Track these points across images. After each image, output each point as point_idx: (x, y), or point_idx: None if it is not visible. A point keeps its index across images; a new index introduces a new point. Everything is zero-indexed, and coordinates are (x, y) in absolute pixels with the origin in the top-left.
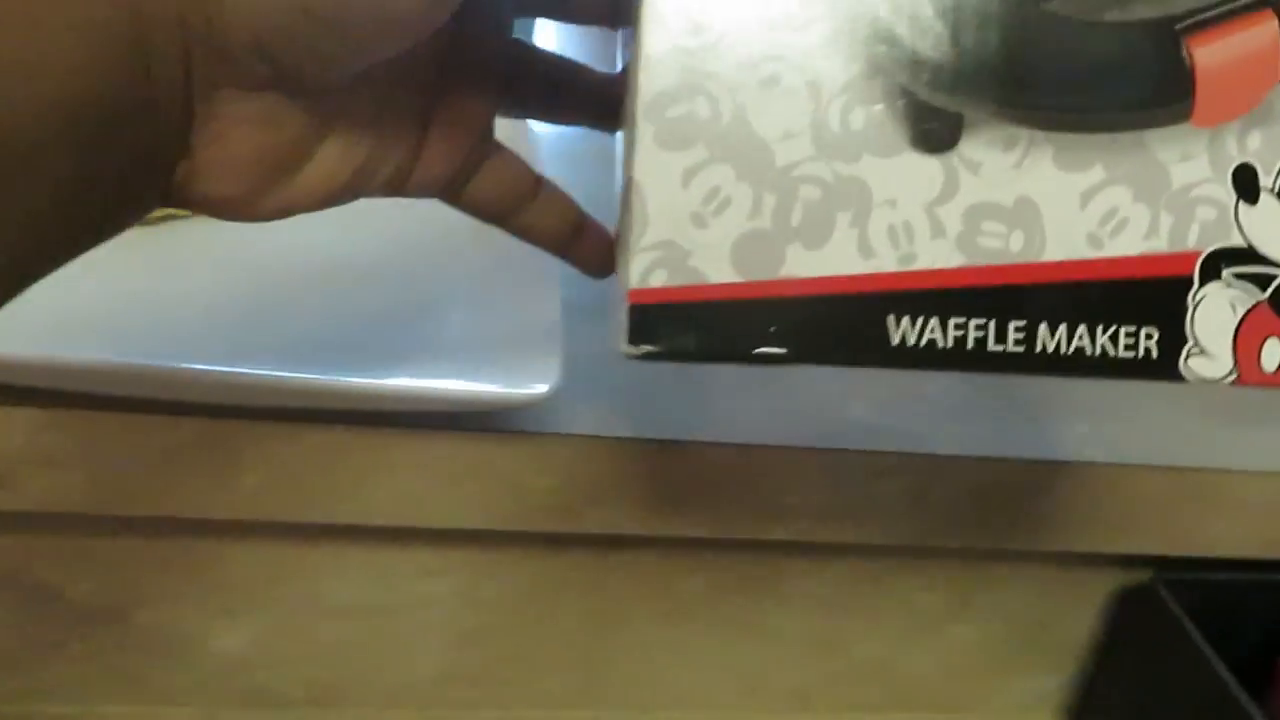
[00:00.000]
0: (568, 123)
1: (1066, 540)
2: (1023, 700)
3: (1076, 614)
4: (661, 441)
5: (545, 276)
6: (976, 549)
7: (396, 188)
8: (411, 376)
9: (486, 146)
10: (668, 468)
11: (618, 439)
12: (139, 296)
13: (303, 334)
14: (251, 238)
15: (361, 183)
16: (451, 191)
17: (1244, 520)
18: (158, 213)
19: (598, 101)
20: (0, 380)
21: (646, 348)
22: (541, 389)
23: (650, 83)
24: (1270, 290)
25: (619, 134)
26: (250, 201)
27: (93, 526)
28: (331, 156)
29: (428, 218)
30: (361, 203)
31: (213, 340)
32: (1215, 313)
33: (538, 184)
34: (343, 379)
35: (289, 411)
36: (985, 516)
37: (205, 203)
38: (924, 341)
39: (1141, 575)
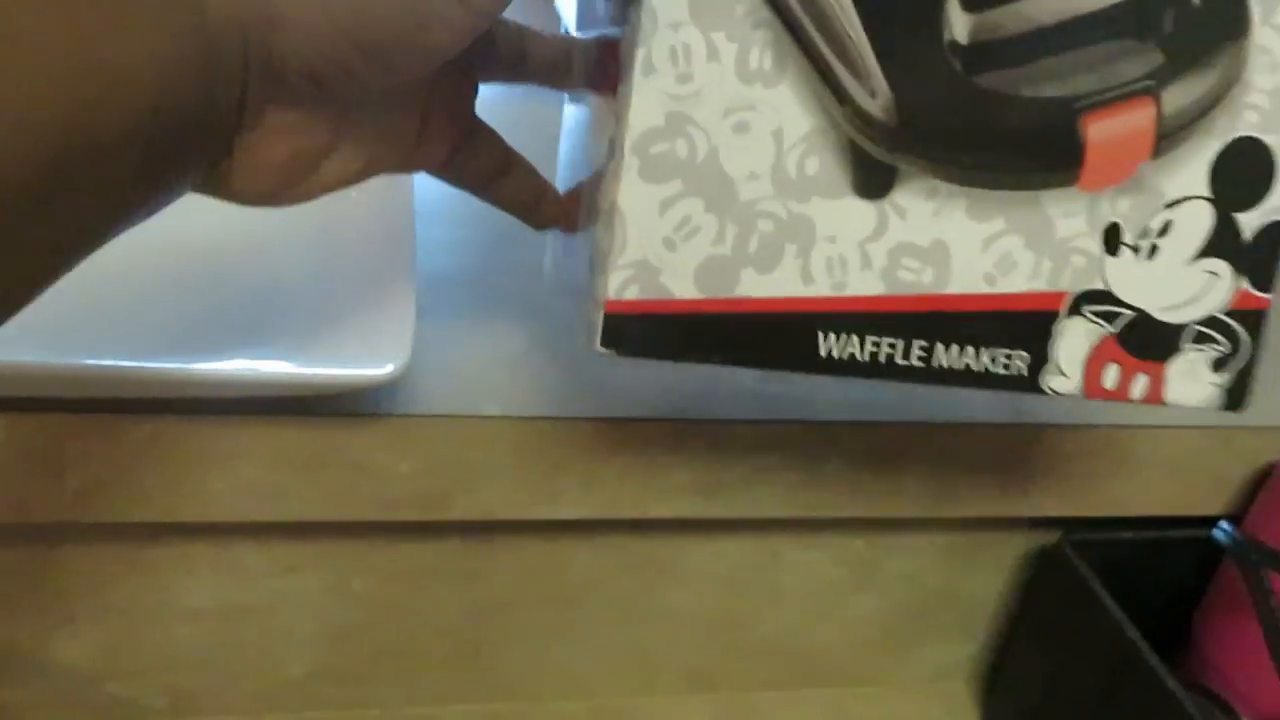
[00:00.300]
0: (525, 83)
1: (972, 505)
2: (934, 669)
3: (986, 579)
4: (533, 419)
5: (398, 256)
6: (880, 518)
7: (400, 169)
8: (252, 360)
9: (473, 124)
10: (542, 446)
11: (485, 417)
12: None
13: (136, 320)
14: None
15: (372, 170)
16: (445, 168)
17: (1152, 478)
18: None
19: (550, 65)
20: None
21: (616, 349)
22: (389, 369)
23: (640, 121)
24: (1118, 326)
25: (565, 101)
26: (277, 194)
27: None
28: (349, 152)
29: None
30: None
31: (32, 329)
32: (1073, 341)
33: (511, 157)
34: (170, 365)
35: (119, 403)
36: (886, 484)
37: (237, 196)
38: (846, 355)
39: (1050, 537)
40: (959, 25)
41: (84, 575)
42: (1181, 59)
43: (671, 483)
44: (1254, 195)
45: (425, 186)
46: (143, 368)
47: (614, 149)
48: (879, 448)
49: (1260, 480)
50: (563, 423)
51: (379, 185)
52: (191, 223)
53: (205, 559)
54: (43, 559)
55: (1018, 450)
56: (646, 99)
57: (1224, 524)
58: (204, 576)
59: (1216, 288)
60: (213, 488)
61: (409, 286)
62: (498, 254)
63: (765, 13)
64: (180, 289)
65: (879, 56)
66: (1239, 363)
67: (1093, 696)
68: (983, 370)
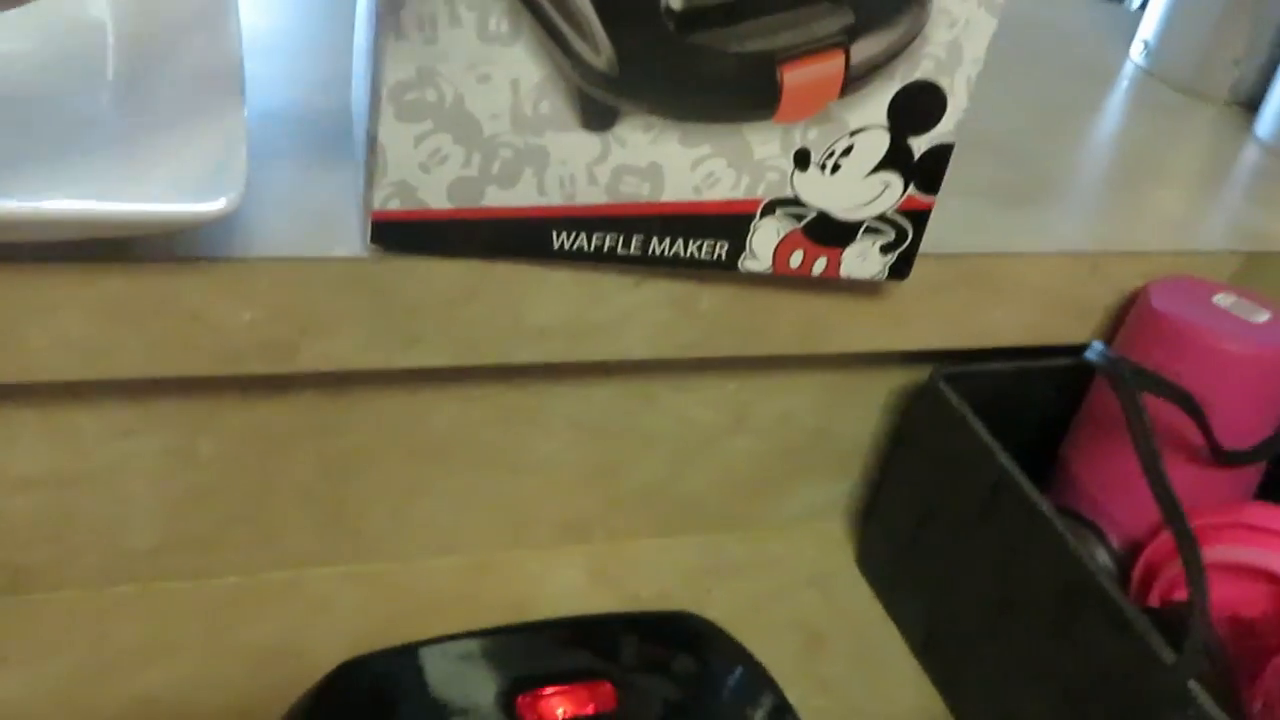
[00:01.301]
0: None
1: (846, 340)
2: (809, 509)
3: (860, 417)
4: (384, 259)
5: (226, 85)
6: (752, 358)
7: None
8: (65, 198)
9: None
10: (394, 289)
11: (332, 259)
12: None
13: None
14: None
15: None
16: None
17: (1021, 307)
18: None
19: None
20: None
21: (383, 246)
22: (220, 203)
23: (393, 75)
24: (803, 223)
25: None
26: None
27: None
28: None
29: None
30: None
31: None
32: (765, 234)
33: None
34: None
35: None
36: (759, 322)
37: None
38: (575, 248)
39: (923, 372)
40: None
41: None
42: (870, 18)
43: (536, 325)
44: (927, 124)
45: (253, 22)
46: None
47: (374, 92)
48: (750, 285)
49: (1127, 307)
50: (417, 263)
51: (202, 13)
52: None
53: (31, 424)
54: None
55: (887, 283)
56: (398, 59)
57: (1097, 344)
58: (32, 443)
59: (888, 194)
60: (33, 344)
61: (239, 116)
62: (334, 90)
63: None
64: (17, 127)
65: (602, 20)
66: (903, 246)
67: (966, 524)
68: (690, 256)
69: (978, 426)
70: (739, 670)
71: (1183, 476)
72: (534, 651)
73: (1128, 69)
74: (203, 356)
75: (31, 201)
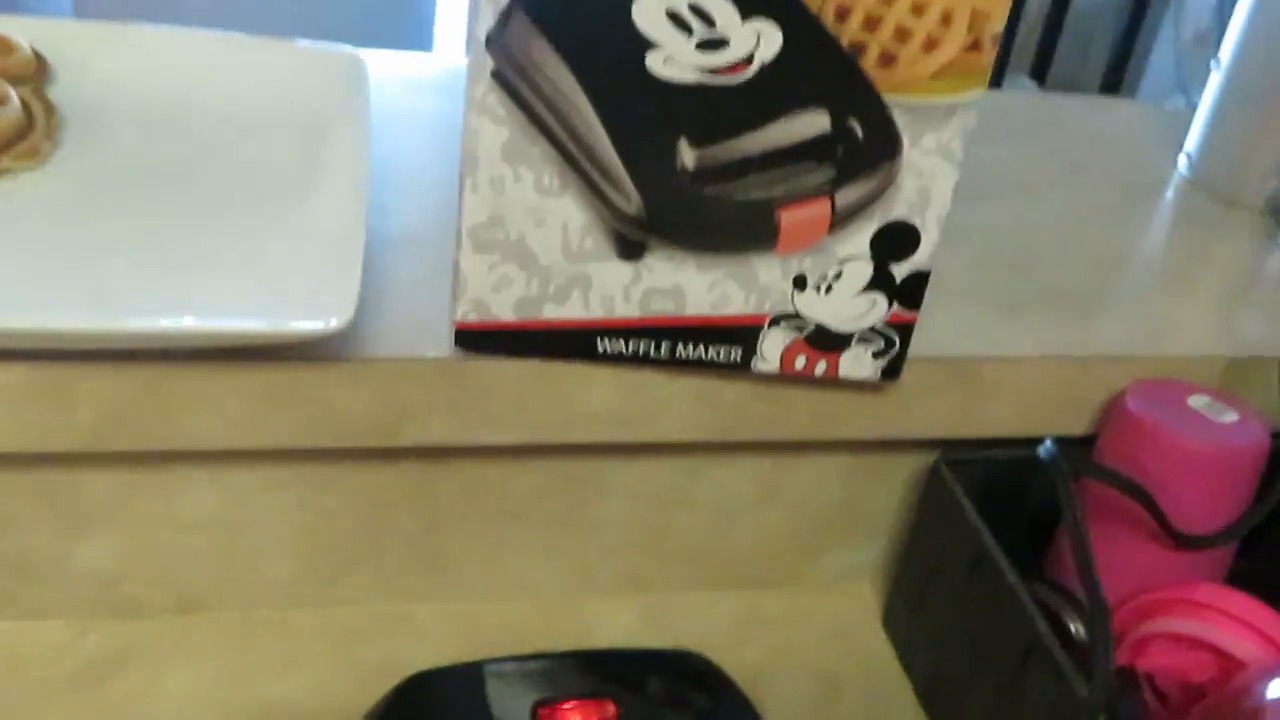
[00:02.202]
0: None
1: (854, 429)
2: (840, 572)
3: (882, 493)
4: (466, 359)
5: (351, 221)
6: (776, 441)
7: None
8: (218, 315)
9: None
10: (474, 383)
11: (425, 359)
12: None
13: (115, 276)
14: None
15: None
16: None
17: (1017, 402)
18: None
19: None
20: None
21: (464, 349)
22: (331, 324)
23: (472, 219)
24: (804, 333)
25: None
26: None
27: None
28: None
29: (241, 155)
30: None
31: (33, 291)
32: (773, 342)
33: None
34: (153, 323)
35: (115, 353)
36: (777, 413)
37: None
38: (616, 351)
39: (932, 455)
40: (688, 157)
41: (101, 495)
42: (850, 172)
43: (588, 412)
44: (904, 254)
45: (380, 158)
46: (134, 325)
47: (458, 230)
48: (766, 382)
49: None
50: (491, 362)
51: (338, 157)
52: (166, 189)
53: (202, 480)
54: (65, 481)
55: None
56: (475, 207)
57: (1047, 441)
58: (202, 494)
59: (875, 310)
60: (201, 422)
61: (357, 250)
62: (444, 219)
63: (552, 151)
64: (161, 250)
65: (632, 178)
66: (893, 353)
67: (957, 589)
68: (711, 359)
69: (967, 507)
70: (726, 702)
71: (1144, 557)
72: (559, 673)
73: (1173, 179)
74: (329, 432)
75: (193, 321)
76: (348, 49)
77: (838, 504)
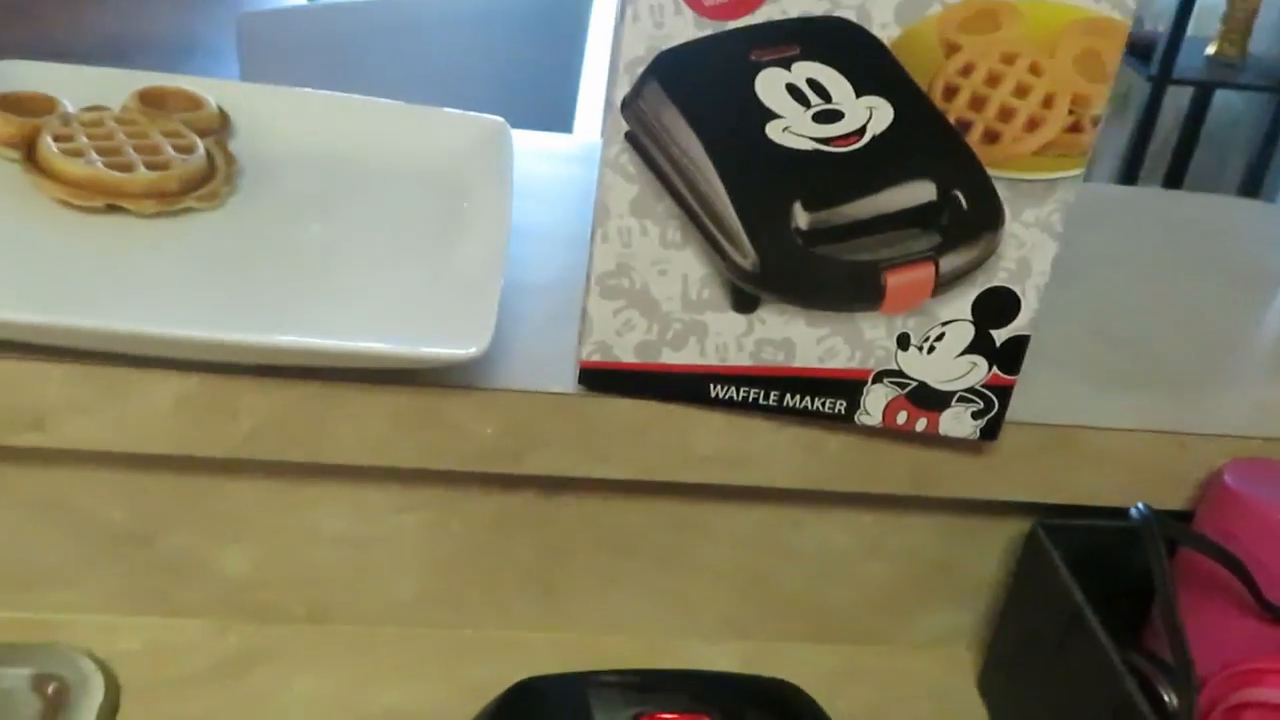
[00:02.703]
0: None
1: (951, 487)
2: (936, 633)
3: (980, 555)
4: (586, 396)
5: (491, 265)
6: (879, 495)
7: None
8: (368, 339)
9: None
10: (593, 419)
11: (549, 393)
12: (157, 275)
13: (279, 302)
14: (250, 228)
15: None
16: None
17: (1114, 472)
18: (179, 203)
19: None
20: (40, 341)
21: (587, 387)
22: (470, 351)
23: (600, 266)
24: (906, 390)
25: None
26: None
27: (121, 463)
28: None
29: (397, 204)
30: (313, 182)
31: (209, 310)
32: (876, 397)
33: None
34: (310, 340)
35: (273, 369)
36: (879, 466)
37: None
38: (728, 397)
39: (1029, 522)
40: (801, 218)
41: (250, 502)
42: (954, 239)
43: (698, 454)
44: (1004, 320)
45: (521, 216)
46: (291, 341)
47: (587, 277)
48: (869, 435)
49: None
50: (610, 401)
51: (482, 210)
52: (326, 229)
53: (340, 496)
54: (220, 486)
55: (994, 443)
56: (603, 256)
57: (1140, 504)
58: (337, 510)
59: (975, 372)
60: (345, 438)
61: (495, 288)
62: (578, 271)
63: (676, 208)
64: (318, 280)
65: (748, 236)
66: (991, 414)
67: (1050, 653)
68: (816, 409)
69: (1063, 572)
70: None
71: (1239, 629)
72: (660, 689)
73: None
74: (457, 456)
75: (345, 341)
76: (496, 118)
77: (936, 564)
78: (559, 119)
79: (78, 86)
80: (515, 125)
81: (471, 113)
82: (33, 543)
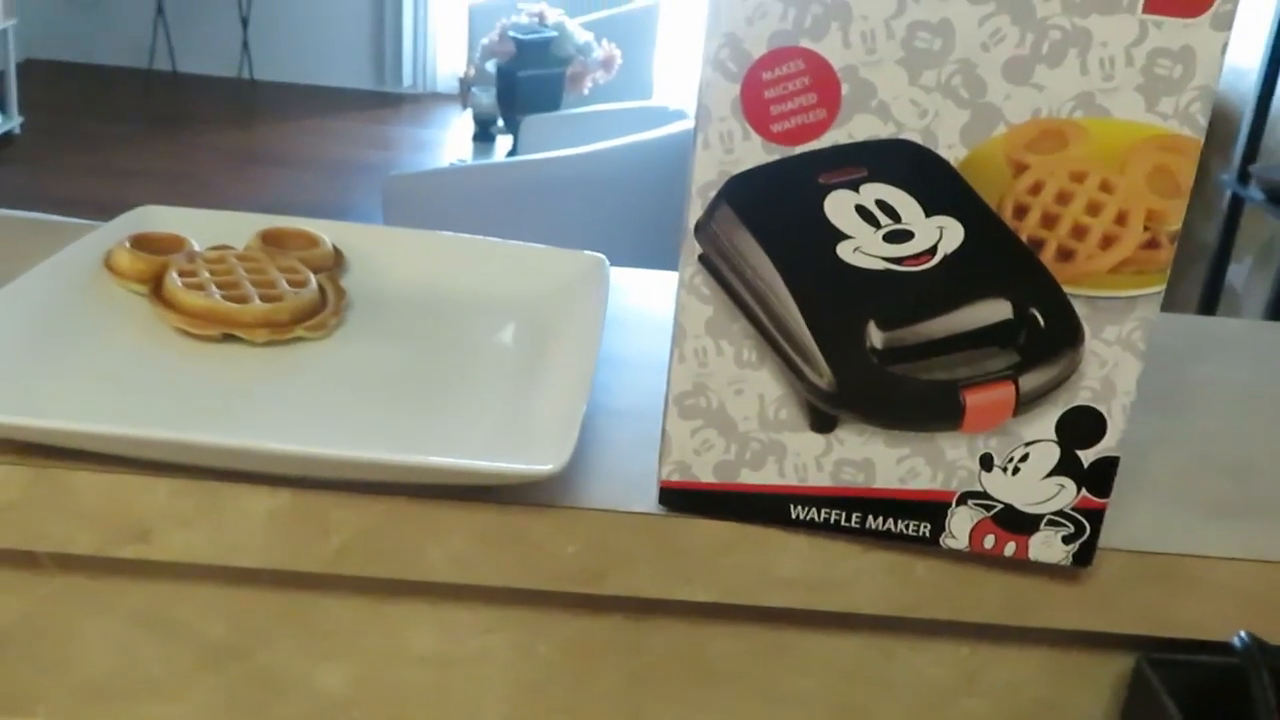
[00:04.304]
0: None
1: (1047, 617)
2: None
3: (1084, 692)
4: (668, 516)
5: (577, 389)
6: (976, 627)
7: None
8: (453, 456)
9: None
10: (674, 539)
11: (631, 513)
12: (260, 397)
13: (373, 422)
14: (352, 355)
15: None
16: None
17: (1223, 605)
18: (289, 333)
19: None
20: (144, 455)
21: (667, 508)
22: (549, 468)
23: (678, 386)
24: (992, 512)
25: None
26: None
27: (220, 576)
28: None
29: (492, 333)
30: (418, 313)
31: (302, 428)
32: (961, 520)
33: None
34: (393, 455)
35: (361, 485)
36: (969, 593)
37: None
38: (809, 519)
39: (1132, 657)
40: (876, 338)
41: (341, 619)
42: (1033, 358)
43: (781, 577)
44: (1091, 439)
45: (614, 338)
46: (377, 456)
47: (665, 398)
48: (959, 559)
49: None
50: (691, 521)
51: (573, 337)
52: (423, 352)
53: (427, 615)
54: (315, 601)
55: (1094, 572)
56: (681, 377)
57: (1243, 633)
58: (425, 630)
59: (1063, 494)
60: (431, 553)
61: (578, 411)
62: (659, 398)
63: (751, 328)
64: (410, 400)
65: (824, 356)
66: (1083, 538)
67: None
68: (899, 532)
69: (1173, 712)
70: None
71: None
72: None
73: None
74: (542, 575)
75: (427, 456)
76: (594, 254)
77: (1039, 700)
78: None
79: (207, 228)
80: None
81: (571, 250)
82: (133, 654)
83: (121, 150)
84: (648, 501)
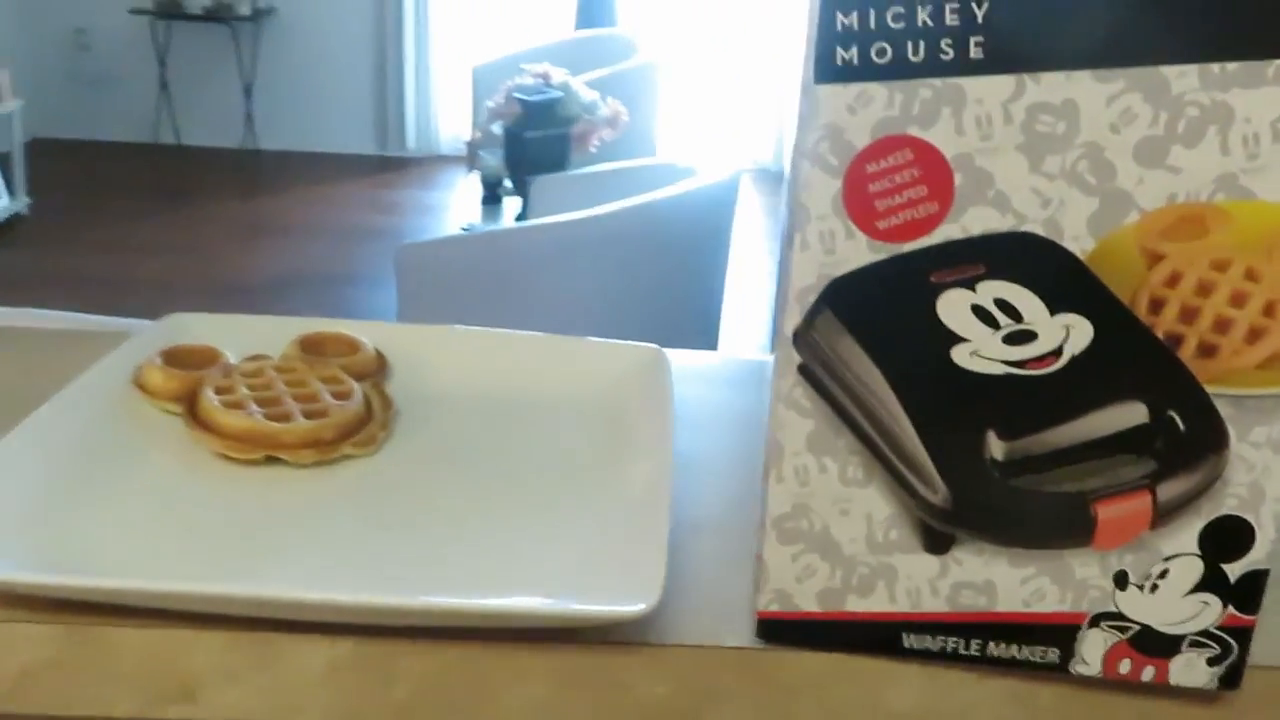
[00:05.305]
0: None
1: None
2: None
3: None
4: (765, 649)
5: (657, 508)
6: None
7: None
8: (531, 595)
9: None
10: (774, 673)
11: (725, 648)
12: (311, 530)
13: (436, 555)
14: (406, 474)
15: None
16: None
17: None
18: (335, 451)
19: None
20: (190, 609)
21: (765, 641)
22: (640, 608)
23: (775, 508)
24: (1128, 635)
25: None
26: None
27: None
28: None
29: (555, 442)
30: (469, 421)
31: (362, 569)
32: (1093, 643)
33: None
34: (468, 601)
35: (429, 630)
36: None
37: None
38: (922, 647)
39: None
40: (996, 449)
41: None
42: (1172, 465)
43: (893, 711)
44: (1238, 552)
45: (677, 446)
46: (450, 603)
47: (761, 522)
48: (1087, 686)
49: None
50: (793, 653)
51: (643, 444)
52: (485, 472)
53: None
54: None
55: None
56: (779, 498)
57: None
58: None
59: (1207, 612)
60: (507, 701)
61: (663, 537)
62: (745, 506)
63: (857, 442)
64: (469, 537)
65: (937, 469)
66: (1230, 659)
67: None
68: (1025, 659)
69: None
70: None
71: None
72: None
73: None
74: (630, 719)
75: (503, 600)
76: (652, 346)
77: None
78: (704, 334)
79: (241, 336)
80: (663, 341)
81: (627, 341)
82: None
83: (128, 226)
84: (742, 634)
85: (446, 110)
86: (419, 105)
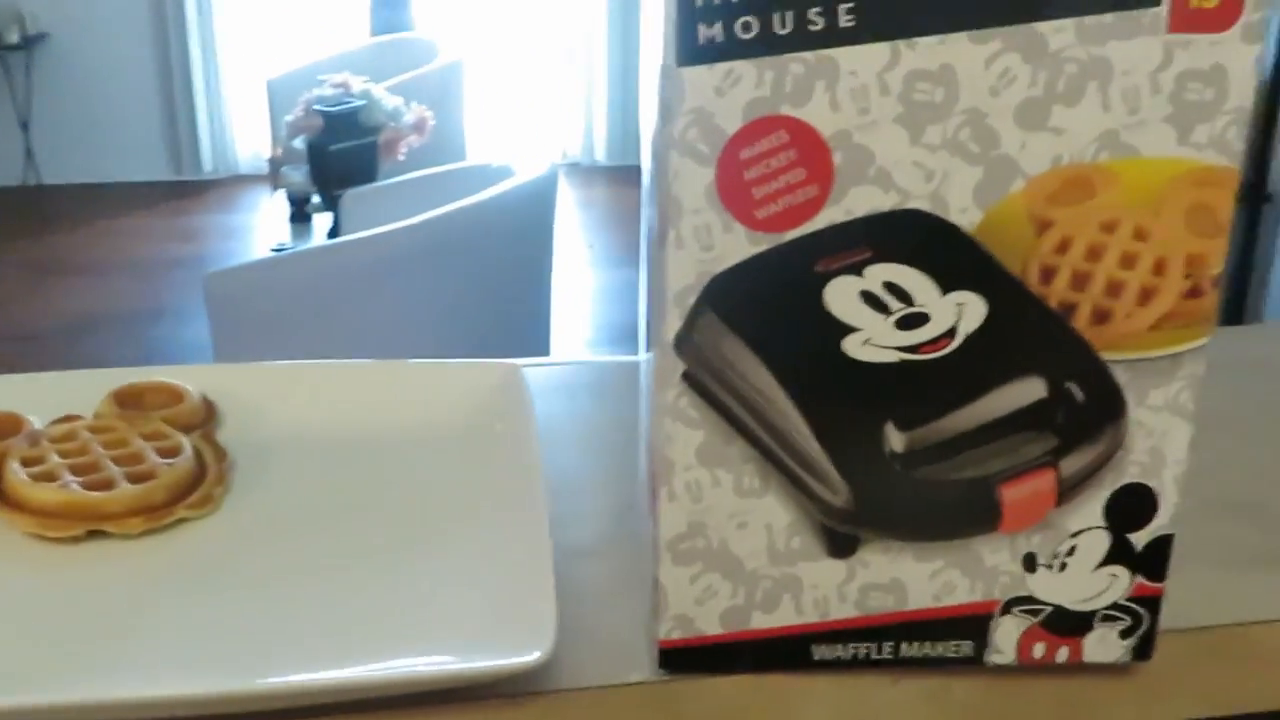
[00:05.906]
0: None
1: (1111, 717)
2: None
3: None
4: (668, 681)
5: (536, 539)
6: None
7: None
8: (409, 656)
9: None
10: (682, 706)
11: (627, 685)
12: (148, 611)
13: (299, 622)
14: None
15: None
16: None
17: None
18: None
19: None
20: None
21: (669, 670)
22: (534, 657)
23: (668, 531)
24: (1040, 617)
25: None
26: None
27: None
28: None
29: (413, 479)
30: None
31: (213, 651)
32: (1007, 631)
33: None
34: (341, 674)
35: (307, 709)
36: (1017, 708)
37: None
38: (833, 657)
39: None
40: (896, 441)
41: None
42: (1073, 439)
43: None
44: (1143, 520)
45: (550, 458)
46: (316, 679)
47: (654, 544)
48: (1001, 674)
49: None
50: (699, 681)
51: (511, 471)
52: (341, 522)
53: None
54: None
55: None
56: (672, 516)
57: None
58: None
59: (1116, 585)
60: None
61: (547, 571)
62: (626, 523)
63: (750, 449)
64: (340, 589)
65: (836, 468)
66: (1142, 629)
67: None
68: (938, 655)
69: None
70: None
71: None
72: None
73: None
74: None
75: (384, 667)
76: (505, 361)
77: None
78: (537, 335)
79: (45, 395)
80: (499, 347)
81: (477, 360)
82: None
83: None
84: (645, 667)
85: (243, 127)
86: (212, 124)
